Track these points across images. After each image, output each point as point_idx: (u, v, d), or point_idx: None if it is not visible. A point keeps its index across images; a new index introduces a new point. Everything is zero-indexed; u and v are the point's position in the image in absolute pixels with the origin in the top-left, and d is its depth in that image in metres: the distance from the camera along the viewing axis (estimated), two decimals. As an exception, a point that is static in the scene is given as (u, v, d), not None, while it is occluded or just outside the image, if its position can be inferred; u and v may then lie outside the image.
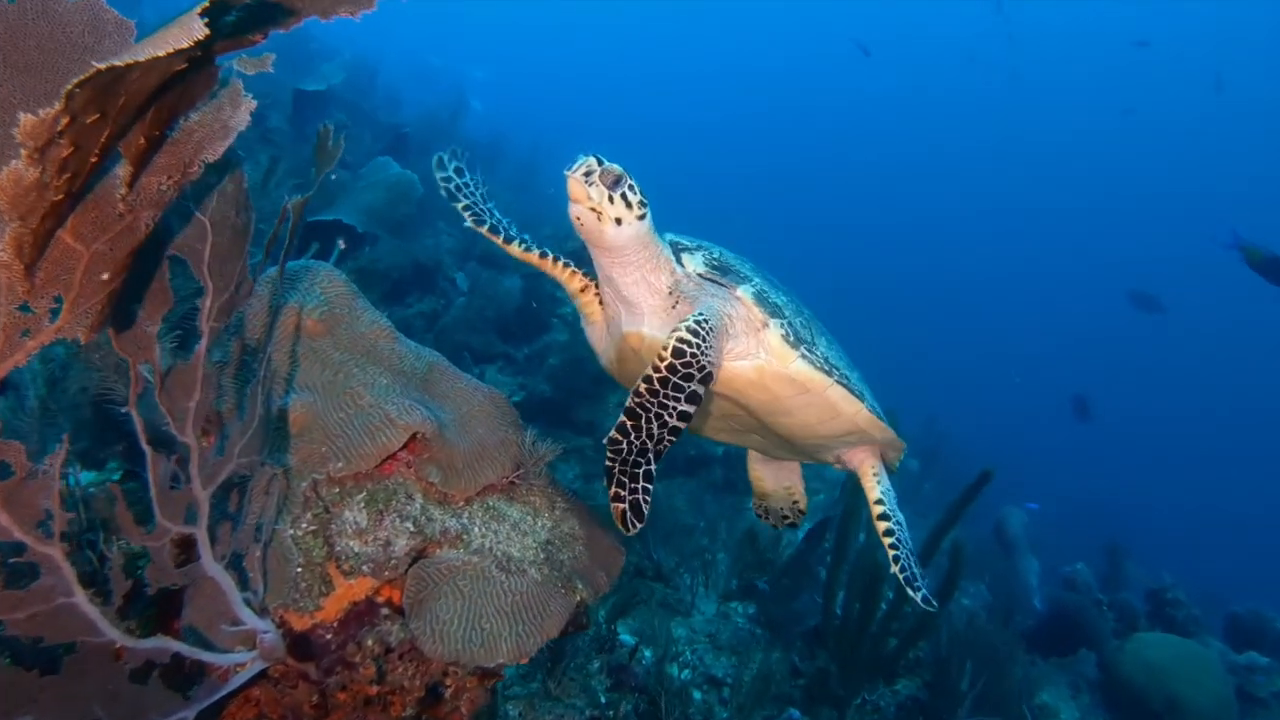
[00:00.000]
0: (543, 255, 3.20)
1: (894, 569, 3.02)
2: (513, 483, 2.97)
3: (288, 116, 10.87)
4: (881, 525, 3.15)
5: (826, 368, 2.89)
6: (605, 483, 2.58)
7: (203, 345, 1.95)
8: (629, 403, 2.56)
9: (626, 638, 5.79)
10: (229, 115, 1.59)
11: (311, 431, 2.57)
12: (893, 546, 3.07)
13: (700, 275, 2.84)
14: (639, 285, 2.75)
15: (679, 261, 2.84)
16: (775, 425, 3.17)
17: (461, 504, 2.77)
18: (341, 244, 6.00)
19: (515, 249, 3.18)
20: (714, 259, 2.94)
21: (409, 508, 2.61)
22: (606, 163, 2.50)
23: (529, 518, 2.92)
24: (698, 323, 2.59)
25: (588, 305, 3.18)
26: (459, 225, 14.03)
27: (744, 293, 2.87)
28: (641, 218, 2.58)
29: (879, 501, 3.20)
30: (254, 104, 1.61)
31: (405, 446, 2.71)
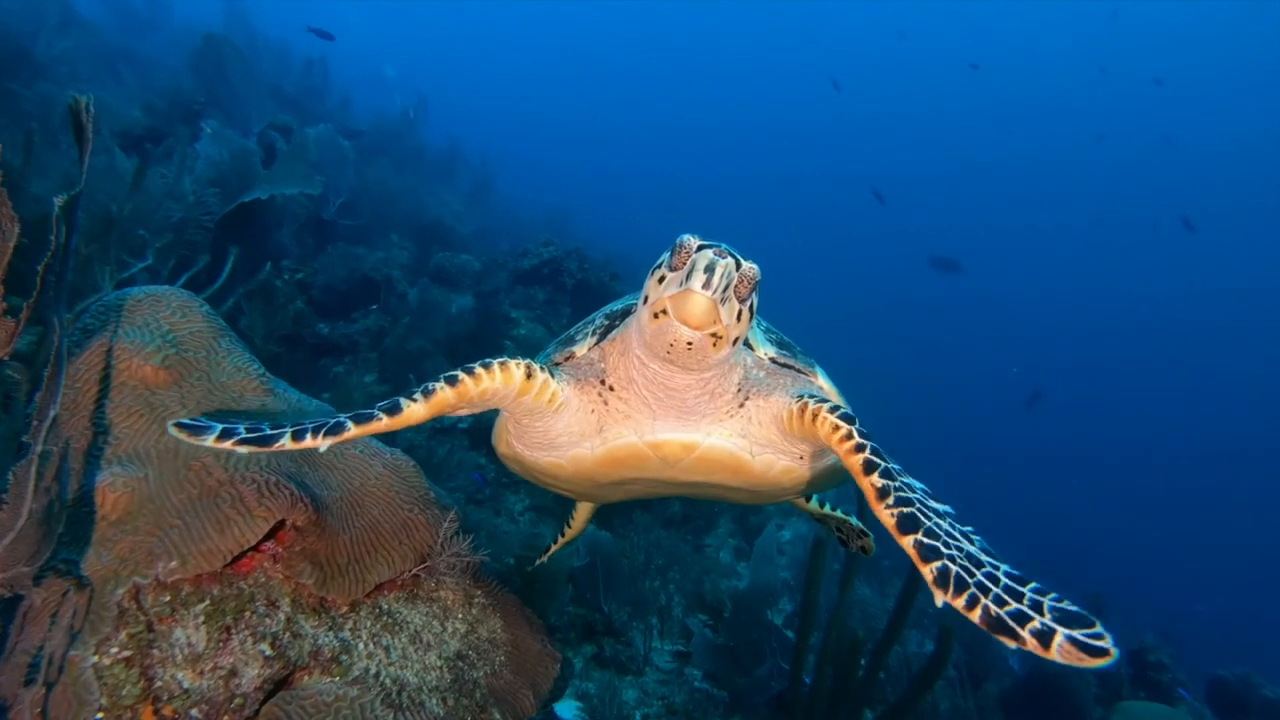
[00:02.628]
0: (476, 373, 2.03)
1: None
2: (416, 576, 2.35)
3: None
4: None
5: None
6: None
7: (-88, 424, 1.31)
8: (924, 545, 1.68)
9: (569, 713, 5.14)
10: None
11: (137, 518, 1.92)
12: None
13: (773, 360, 2.25)
14: (705, 394, 2.10)
15: (746, 343, 2.23)
16: (757, 498, 2.67)
17: (345, 609, 2.14)
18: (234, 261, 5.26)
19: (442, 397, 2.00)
20: (776, 335, 2.38)
21: (268, 621, 1.97)
22: (744, 262, 1.83)
23: (435, 622, 2.30)
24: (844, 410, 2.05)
25: (537, 392, 2.11)
26: (412, 238, 13.36)
27: (825, 380, 2.36)
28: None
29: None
30: None
31: (271, 535, 2.08)
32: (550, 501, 9.05)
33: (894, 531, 1.73)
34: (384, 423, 1.88)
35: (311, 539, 2.10)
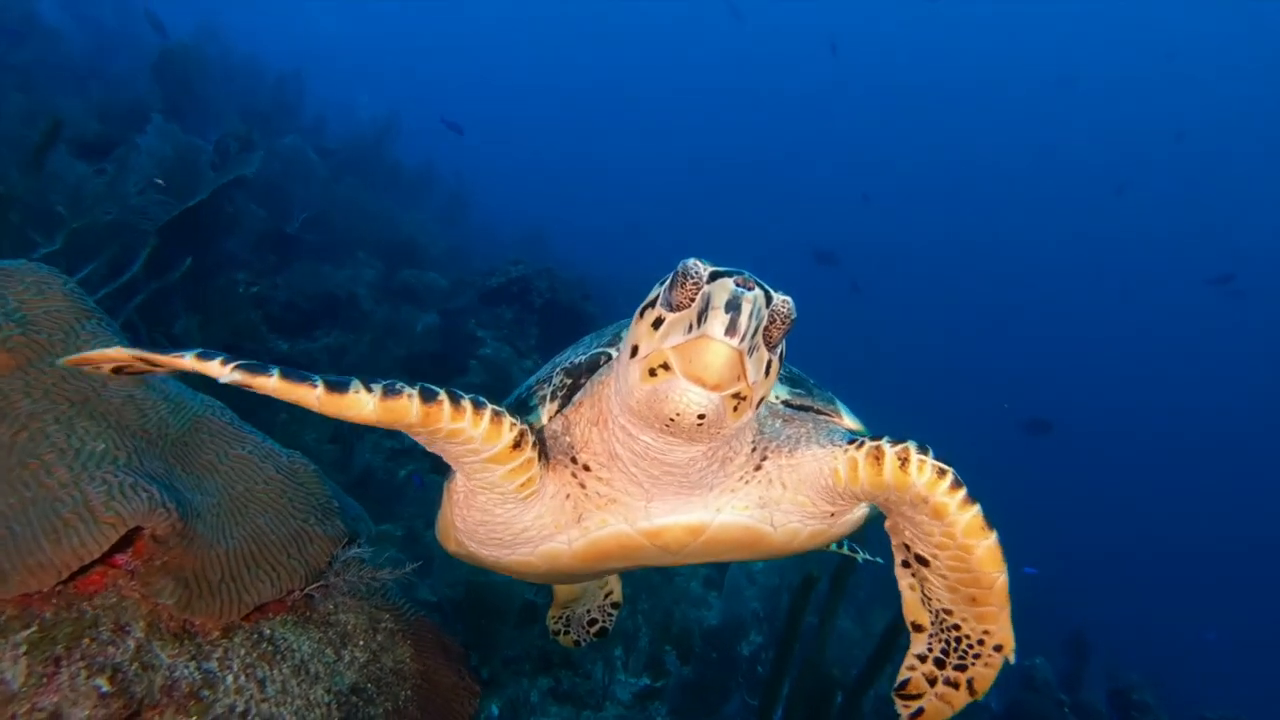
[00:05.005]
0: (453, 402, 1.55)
1: None
2: (310, 597, 2.05)
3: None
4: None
5: None
6: None
7: None
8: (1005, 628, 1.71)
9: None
10: None
11: (-47, 526, 1.61)
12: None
13: (787, 403, 1.85)
14: (714, 464, 1.64)
15: None
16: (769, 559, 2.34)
17: (216, 635, 1.83)
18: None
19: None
20: (785, 369, 1.91)
21: (112, 649, 1.66)
22: (775, 294, 1.38)
23: (329, 650, 2.00)
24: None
25: (514, 469, 1.63)
26: (380, 256, 13.11)
27: (851, 418, 1.95)
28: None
29: None
30: None
31: (127, 546, 1.78)
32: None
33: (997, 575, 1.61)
34: (317, 393, 1.40)
35: (177, 551, 1.80)
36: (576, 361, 1.86)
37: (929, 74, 53.23)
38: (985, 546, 1.59)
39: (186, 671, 1.73)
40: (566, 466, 1.73)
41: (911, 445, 1.59)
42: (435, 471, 9.50)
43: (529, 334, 10.96)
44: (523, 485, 1.64)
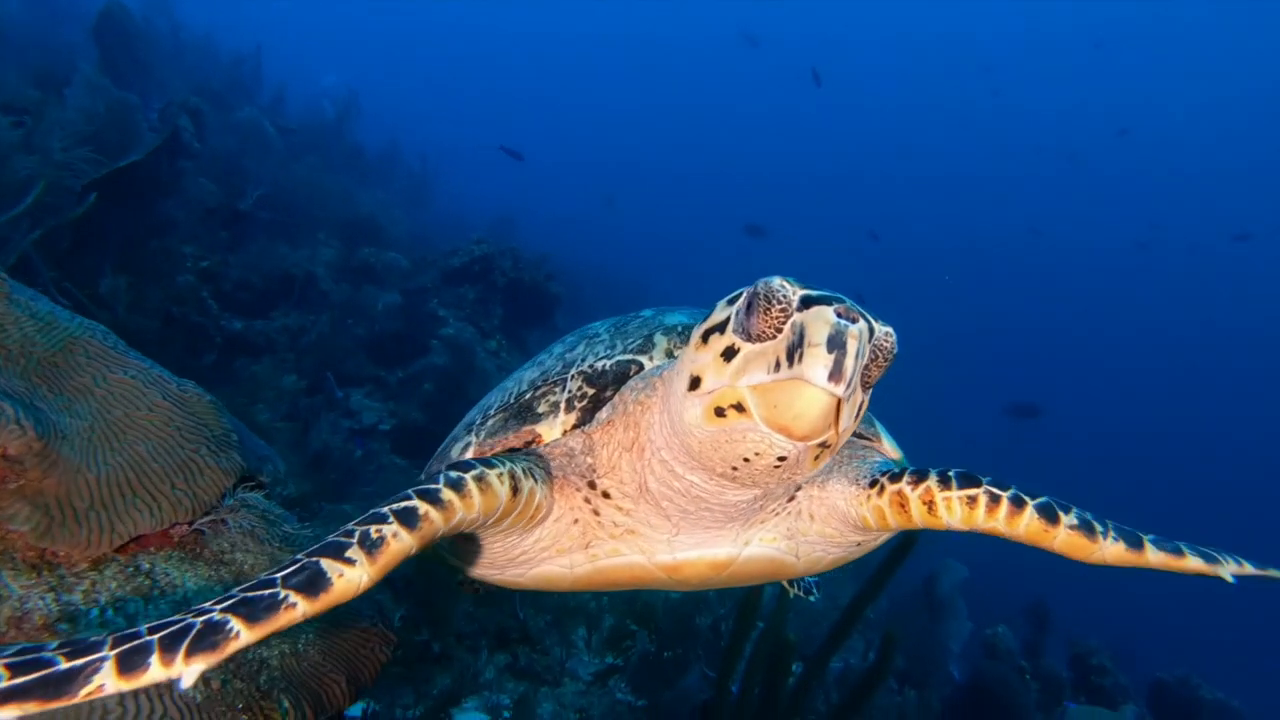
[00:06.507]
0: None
1: None
2: (200, 533, 1.88)
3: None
4: None
5: None
6: None
7: None
8: None
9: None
10: None
11: None
12: None
13: None
14: (758, 503, 1.48)
15: None
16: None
17: (84, 566, 1.66)
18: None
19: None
20: None
21: (-49, 577, 1.48)
22: (878, 325, 1.18)
23: (218, 589, 1.82)
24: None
25: (518, 514, 1.45)
26: (340, 236, 12.79)
27: (890, 443, 1.78)
28: None
29: None
30: None
31: (-22, 469, 1.59)
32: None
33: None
34: (301, 609, 1.04)
35: (35, 475, 1.62)
36: (600, 368, 1.63)
37: (900, 77, 53.64)
38: (1061, 541, 1.40)
39: (42, 604, 1.55)
40: (579, 490, 1.53)
41: (933, 484, 1.43)
42: (396, 452, 9.29)
43: (493, 314, 10.75)
44: (529, 520, 1.46)
